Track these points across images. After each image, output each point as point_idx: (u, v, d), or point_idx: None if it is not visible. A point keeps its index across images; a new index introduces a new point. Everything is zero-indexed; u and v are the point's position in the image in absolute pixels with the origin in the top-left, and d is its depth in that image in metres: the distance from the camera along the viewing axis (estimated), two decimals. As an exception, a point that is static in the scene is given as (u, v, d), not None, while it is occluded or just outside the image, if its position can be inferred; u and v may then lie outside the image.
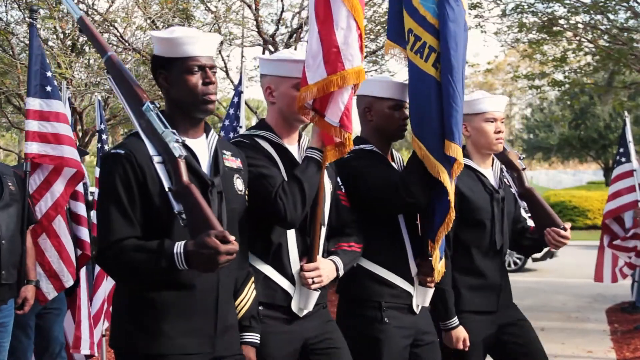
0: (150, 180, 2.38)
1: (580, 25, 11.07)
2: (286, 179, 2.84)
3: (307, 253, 2.92)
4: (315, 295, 2.90)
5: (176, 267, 2.27)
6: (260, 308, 2.78)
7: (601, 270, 7.57)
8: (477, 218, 3.55)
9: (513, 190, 3.81)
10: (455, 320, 3.47)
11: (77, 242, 5.04)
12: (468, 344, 3.48)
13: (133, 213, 2.37)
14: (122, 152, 2.38)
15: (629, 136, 7.25)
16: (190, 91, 2.47)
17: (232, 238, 2.24)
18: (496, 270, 3.66)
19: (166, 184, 2.38)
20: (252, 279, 2.71)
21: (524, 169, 3.80)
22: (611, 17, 10.78)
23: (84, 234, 5.15)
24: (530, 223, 3.88)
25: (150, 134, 2.43)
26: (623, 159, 7.23)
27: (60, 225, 4.48)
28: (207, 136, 2.60)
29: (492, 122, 3.62)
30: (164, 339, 2.39)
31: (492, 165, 3.75)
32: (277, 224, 2.82)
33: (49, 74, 4.52)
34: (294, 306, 2.87)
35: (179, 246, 2.27)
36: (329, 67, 2.90)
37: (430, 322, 3.41)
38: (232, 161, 2.66)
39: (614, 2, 10.34)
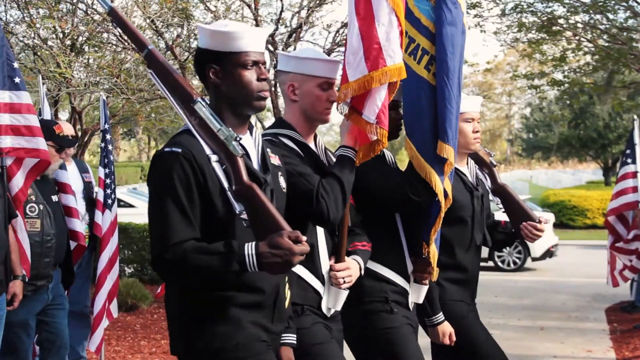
0: (210, 180, 2.30)
1: (579, 25, 11.07)
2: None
3: (334, 253, 2.94)
4: (345, 294, 2.94)
5: (246, 269, 2.20)
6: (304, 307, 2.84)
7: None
8: (460, 215, 3.62)
9: (487, 186, 3.89)
10: (441, 316, 3.51)
11: (70, 234, 5.02)
12: (454, 338, 3.51)
13: (192, 214, 2.27)
14: (179, 150, 2.28)
15: (637, 138, 7.27)
16: (244, 87, 2.40)
17: (303, 238, 2.20)
18: (476, 265, 3.78)
19: (225, 184, 2.31)
20: (287, 278, 2.68)
21: (494, 166, 3.87)
22: (610, 16, 10.79)
23: (77, 225, 5.13)
24: (499, 218, 4.02)
25: (204, 131, 2.35)
26: (629, 160, 7.26)
27: (17, 220, 4.32)
28: (251, 133, 2.54)
29: (470, 122, 3.72)
30: (234, 340, 2.35)
31: (467, 164, 3.84)
32: (318, 224, 2.83)
33: (15, 65, 4.41)
34: (323, 306, 2.90)
35: (249, 247, 2.20)
36: (370, 63, 2.92)
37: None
38: (273, 158, 2.62)
39: (613, 2, 10.33)
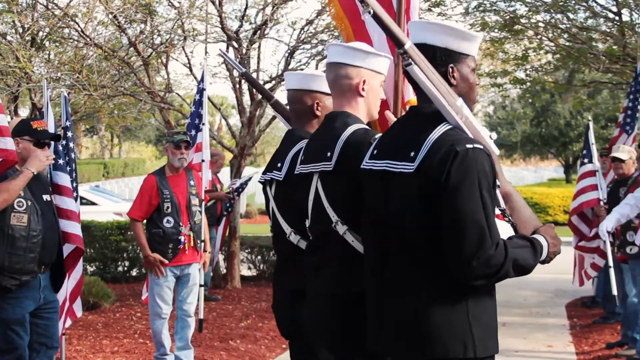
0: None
1: (541, 24, 11.20)
2: None
3: None
4: None
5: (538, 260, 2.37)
6: None
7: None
8: None
9: None
10: None
11: (67, 236, 5.03)
12: None
13: None
14: (482, 147, 2.31)
15: (592, 138, 7.41)
16: (473, 91, 2.47)
17: None
18: None
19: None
20: None
21: None
22: (571, 16, 10.94)
23: (74, 227, 5.09)
24: None
25: (470, 129, 2.39)
26: (586, 160, 7.38)
27: None
28: None
29: None
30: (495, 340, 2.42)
31: None
32: None
33: None
34: None
35: (541, 239, 2.37)
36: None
37: None
38: None
39: (573, 2, 10.49)
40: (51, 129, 5.20)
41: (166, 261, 5.77)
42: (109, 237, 10.81)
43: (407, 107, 3.66)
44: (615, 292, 6.74)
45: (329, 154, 2.84)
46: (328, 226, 2.83)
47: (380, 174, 2.46)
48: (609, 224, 6.00)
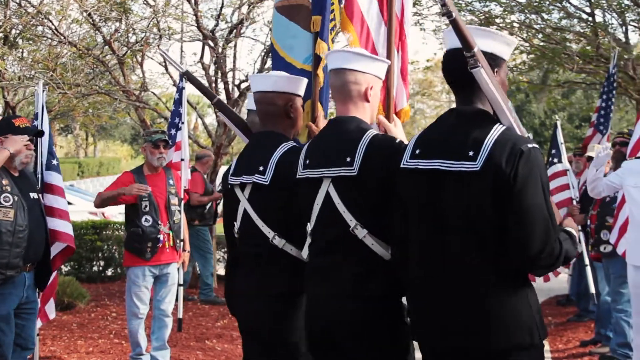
0: None
1: (515, 24, 11.30)
2: None
3: None
4: None
5: None
6: None
7: None
8: None
9: None
10: None
11: (57, 234, 5.07)
12: None
13: None
14: (537, 146, 2.45)
15: (560, 137, 7.49)
16: (505, 92, 2.56)
17: None
18: None
19: None
20: None
21: None
22: (545, 16, 11.05)
23: (64, 226, 5.15)
24: None
25: (517, 129, 2.53)
26: (555, 160, 7.45)
27: None
28: None
29: None
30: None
31: None
32: None
33: None
34: None
35: (574, 232, 2.56)
36: (407, 93, 3.18)
37: None
38: None
39: (547, 2, 10.59)
40: (45, 131, 5.29)
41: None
42: (83, 237, 10.71)
43: (401, 115, 3.69)
44: (593, 290, 6.80)
45: (348, 159, 2.81)
46: (342, 230, 2.81)
47: (429, 173, 2.51)
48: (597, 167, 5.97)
